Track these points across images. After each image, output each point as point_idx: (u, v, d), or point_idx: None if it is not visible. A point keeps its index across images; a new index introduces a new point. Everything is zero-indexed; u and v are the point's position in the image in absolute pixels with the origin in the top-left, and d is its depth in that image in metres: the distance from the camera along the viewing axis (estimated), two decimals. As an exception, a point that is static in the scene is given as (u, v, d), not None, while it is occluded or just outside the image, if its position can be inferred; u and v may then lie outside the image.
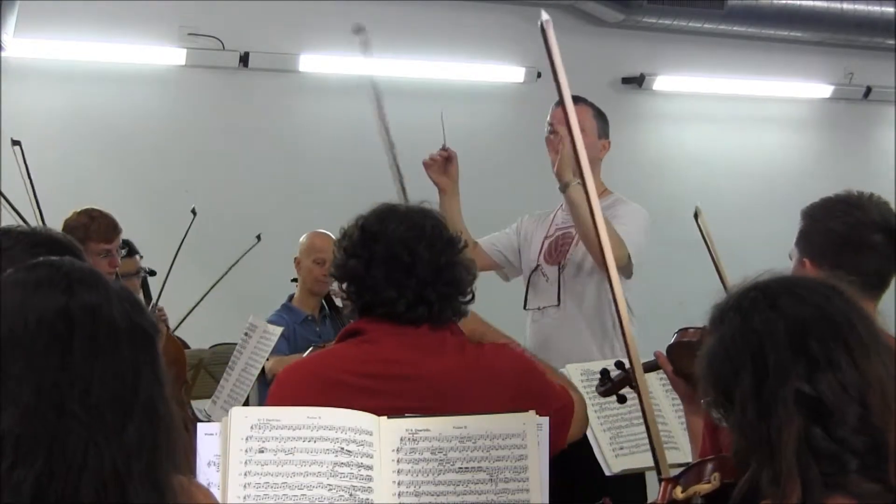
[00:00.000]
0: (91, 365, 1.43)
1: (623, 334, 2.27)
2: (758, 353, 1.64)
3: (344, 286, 2.49)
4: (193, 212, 4.75)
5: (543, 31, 2.08)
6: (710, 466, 1.79)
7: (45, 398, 1.40)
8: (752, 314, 1.67)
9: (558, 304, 3.95)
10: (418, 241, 2.42)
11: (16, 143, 4.36)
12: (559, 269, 3.98)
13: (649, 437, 2.16)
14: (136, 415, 1.44)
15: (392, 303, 2.40)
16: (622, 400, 2.85)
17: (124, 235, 4.47)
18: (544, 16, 2.07)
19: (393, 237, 2.42)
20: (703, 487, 1.75)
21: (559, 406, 2.46)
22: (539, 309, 4.03)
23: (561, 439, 2.45)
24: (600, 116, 4.15)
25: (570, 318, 3.93)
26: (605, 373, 2.79)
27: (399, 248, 2.41)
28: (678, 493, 1.77)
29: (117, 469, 1.41)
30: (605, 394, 2.80)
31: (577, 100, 4.07)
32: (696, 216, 3.58)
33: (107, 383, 1.43)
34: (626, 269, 3.81)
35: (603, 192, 4.06)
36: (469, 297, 2.51)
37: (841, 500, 1.58)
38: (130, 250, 4.81)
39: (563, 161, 3.82)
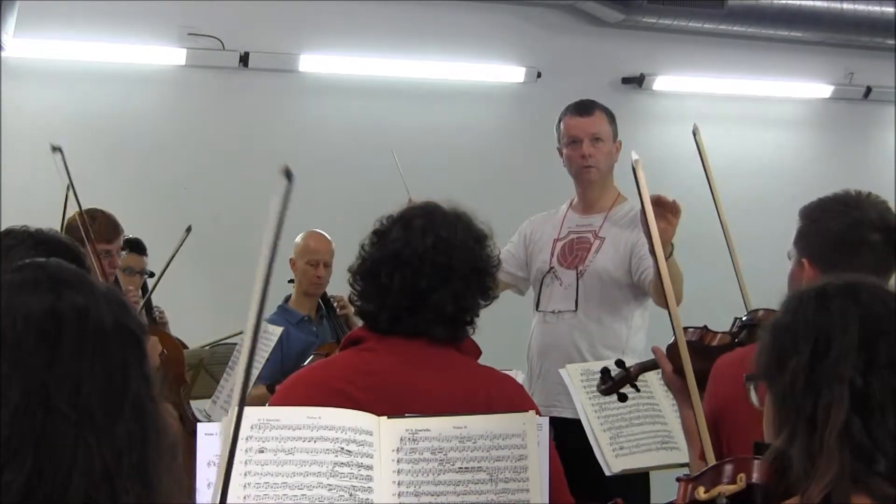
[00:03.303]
0: (79, 364, 1.42)
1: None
2: (823, 334, 1.67)
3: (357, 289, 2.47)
4: (188, 230, 4.66)
5: (634, 170, 2.12)
6: (729, 467, 1.78)
7: (33, 398, 1.40)
8: (832, 300, 1.71)
9: (575, 310, 3.94)
10: (407, 262, 2.37)
11: (56, 148, 4.11)
12: (577, 274, 3.97)
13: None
14: (125, 413, 1.44)
15: (374, 317, 2.39)
16: (623, 398, 2.87)
17: (125, 235, 4.47)
18: (634, 155, 2.09)
19: (390, 250, 2.39)
20: (729, 488, 1.74)
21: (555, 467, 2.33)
22: (554, 312, 4.02)
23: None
24: (612, 118, 4.11)
25: (586, 324, 3.94)
26: (605, 371, 2.81)
27: (378, 267, 2.38)
28: (700, 493, 1.76)
29: (107, 468, 1.41)
30: (605, 392, 2.82)
31: (591, 106, 4.08)
32: (694, 133, 3.65)
33: (96, 382, 1.42)
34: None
35: (616, 197, 4.05)
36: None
37: (863, 501, 1.60)
38: (140, 248, 4.80)
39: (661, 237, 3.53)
